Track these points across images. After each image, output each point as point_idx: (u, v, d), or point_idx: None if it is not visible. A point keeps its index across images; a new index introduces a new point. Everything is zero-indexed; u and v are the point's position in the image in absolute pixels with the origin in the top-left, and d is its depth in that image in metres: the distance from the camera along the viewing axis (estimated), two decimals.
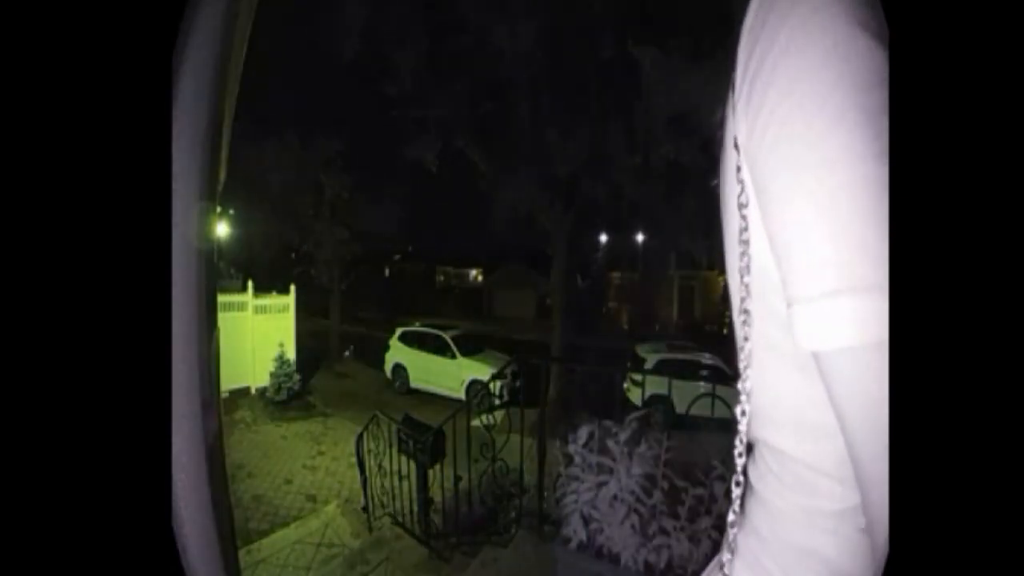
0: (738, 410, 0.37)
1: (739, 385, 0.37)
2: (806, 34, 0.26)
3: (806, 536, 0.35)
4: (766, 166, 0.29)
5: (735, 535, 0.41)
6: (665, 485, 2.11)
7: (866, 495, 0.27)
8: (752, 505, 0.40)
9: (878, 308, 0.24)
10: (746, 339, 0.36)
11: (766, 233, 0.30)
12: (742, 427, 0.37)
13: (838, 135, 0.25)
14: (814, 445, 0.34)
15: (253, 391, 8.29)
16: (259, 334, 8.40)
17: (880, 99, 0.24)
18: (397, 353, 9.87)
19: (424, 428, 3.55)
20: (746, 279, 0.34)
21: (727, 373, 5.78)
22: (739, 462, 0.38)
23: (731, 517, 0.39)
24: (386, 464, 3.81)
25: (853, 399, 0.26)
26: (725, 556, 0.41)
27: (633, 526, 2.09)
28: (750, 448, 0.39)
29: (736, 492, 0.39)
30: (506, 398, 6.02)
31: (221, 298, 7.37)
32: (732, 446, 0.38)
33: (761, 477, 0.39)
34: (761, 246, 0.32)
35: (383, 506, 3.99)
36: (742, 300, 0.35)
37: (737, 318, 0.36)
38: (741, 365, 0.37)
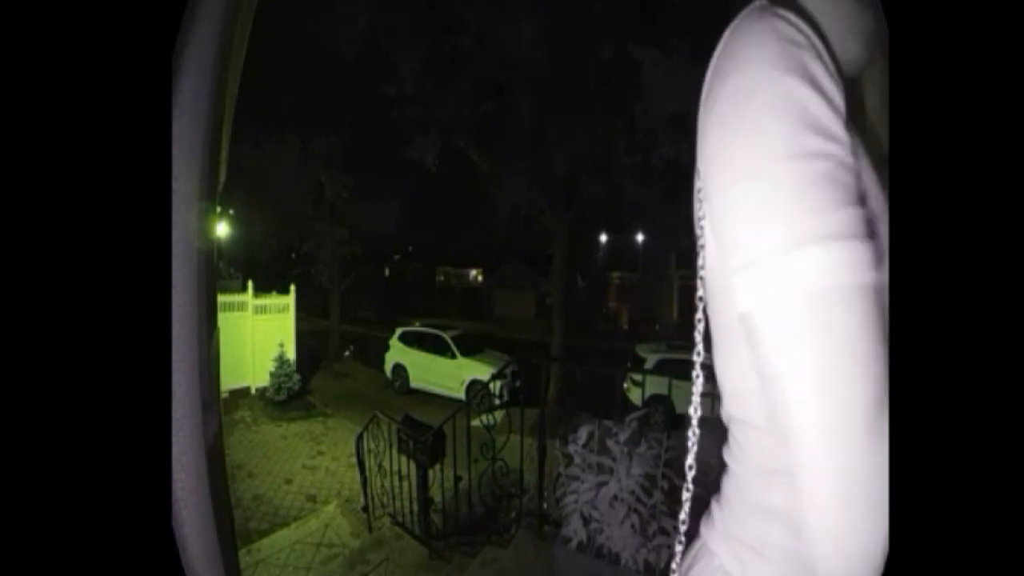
0: (694, 374, 0.47)
1: (694, 356, 0.46)
2: (741, 97, 0.35)
3: (765, 495, 0.40)
4: (715, 188, 0.39)
5: (712, 508, 0.47)
6: (665, 485, 2.11)
7: (796, 448, 0.31)
8: (724, 482, 0.47)
9: (780, 269, 0.31)
10: (700, 320, 0.47)
11: (717, 244, 0.40)
12: (697, 388, 0.47)
13: (759, 169, 0.33)
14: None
15: (253, 391, 8.28)
16: (259, 334, 8.39)
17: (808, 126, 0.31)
18: (397, 353, 9.86)
19: (424, 428, 3.55)
20: (701, 273, 0.46)
21: None
22: (694, 418, 0.47)
23: (688, 471, 0.47)
24: (386, 464, 3.81)
25: (773, 353, 0.32)
26: (701, 528, 0.47)
27: (633, 526, 2.09)
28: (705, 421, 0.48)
29: (692, 440, 0.47)
30: (506, 398, 6.03)
31: (221, 298, 7.37)
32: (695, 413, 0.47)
33: (731, 454, 0.46)
34: (712, 250, 0.43)
35: (383, 506, 3.99)
36: (698, 289, 0.47)
37: (697, 304, 0.48)
38: (696, 338, 0.47)
